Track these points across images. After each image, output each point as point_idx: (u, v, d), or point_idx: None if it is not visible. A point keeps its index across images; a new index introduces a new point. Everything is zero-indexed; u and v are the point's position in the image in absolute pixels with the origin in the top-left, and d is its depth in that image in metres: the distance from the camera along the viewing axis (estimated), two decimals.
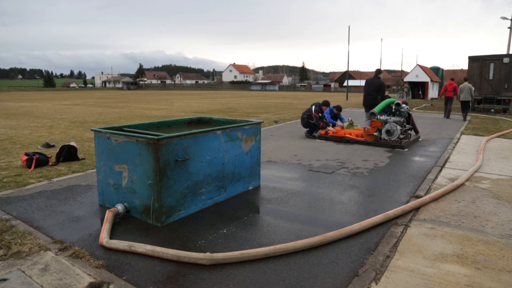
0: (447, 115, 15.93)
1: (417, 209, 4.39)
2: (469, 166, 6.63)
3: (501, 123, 14.17)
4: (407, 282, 2.79)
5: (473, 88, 15.86)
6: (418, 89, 37.54)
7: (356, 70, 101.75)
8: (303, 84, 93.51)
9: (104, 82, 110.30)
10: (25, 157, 6.23)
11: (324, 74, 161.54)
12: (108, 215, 3.79)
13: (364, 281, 2.82)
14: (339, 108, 10.83)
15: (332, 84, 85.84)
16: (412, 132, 9.93)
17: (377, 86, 9.83)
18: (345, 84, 60.07)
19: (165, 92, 61.65)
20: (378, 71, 10.22)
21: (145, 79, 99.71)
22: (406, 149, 8.30)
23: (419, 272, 2.94)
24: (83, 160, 6.85)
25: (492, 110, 18.61)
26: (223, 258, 3.04)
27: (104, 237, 3.39)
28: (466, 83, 15.56)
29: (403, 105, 9.33)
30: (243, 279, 2.84)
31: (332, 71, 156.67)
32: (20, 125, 12.40)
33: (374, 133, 8.85)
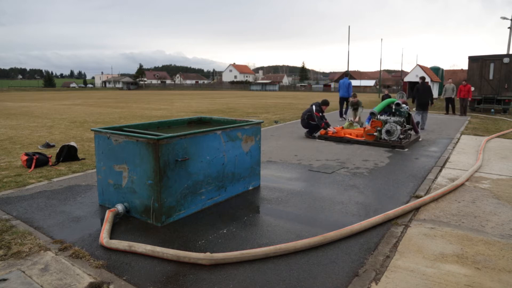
0: (462, 112, 17.49)
1: (417, 209, 4.39)
2: (469, 166, 6.63)
3: (501, 123, 14.17)
4: (407, 282, 2.79)
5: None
6: (414, 89, 37.55)
7: (356, 70, 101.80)
8: (303, 84, 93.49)
9: (104, 82, 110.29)
10: (25, 157, 6.23)
11: (324, 74, 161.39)
12: (108, 215, 3.79)
13: (364, 281, 2.82)
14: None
15: (332, 84, 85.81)
16: (412, 132, 9.94)
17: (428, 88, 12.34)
18: None
19: (165, 92, 61.66)
20: (423, 78, 12.87)
21: (145, 79, 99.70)
22: (406, 149, 8.30)
23: (419, 272, 2.94)
24: (83, 160, 6.85)
25: (492, 110, 18.61)
26: (223, 258, 3.04)
27: (104, 237, 3.39)
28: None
29: (403, 105, 9.35)
30: (243, 279, 2.84)
31: (332, 71, 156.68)
32: (20, 125, 12.40)
33: (374, 133, 8.86)
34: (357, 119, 12.01)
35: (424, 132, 11.22)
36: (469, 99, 17.44)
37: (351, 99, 12.88)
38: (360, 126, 10.75)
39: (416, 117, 11.84)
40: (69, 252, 3.21)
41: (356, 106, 12.63)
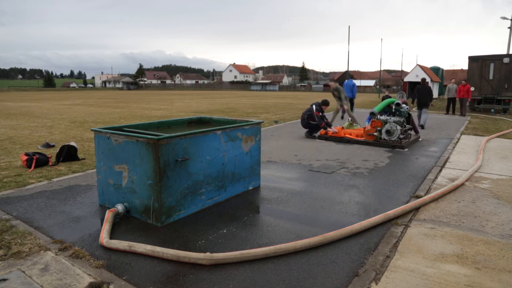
0: (462, 113, 17.44)
1: (417, 209, 4.39)
2: (469, 166, 6.63)
3: (501, 123, 14.17)
4: (407, 282, 2.79)
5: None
6: (414, 89, 37.61)
7: (356, 70, 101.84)
8: (303, 84, 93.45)
9: (104, 82, 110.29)
10: (25, 157, 6.23)
11: (324, 74, 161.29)
12: (108, 215, 3.79)
13: (364, 281, 2.82)
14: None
15: None
16: (412, 132, 9.94)
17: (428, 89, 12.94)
18: None
19: (165, 92, 61.66)
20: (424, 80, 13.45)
21: (145, 79, 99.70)
22: (406, 149, 8.30)
23: (419, 272, 2.94)
24: (83, 160, 6.85)
25: (492, 110, 18.61)
26: (223, 258, 3.04)
27: (104, 237, 3.39)
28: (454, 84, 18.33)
29: (403, 105, 9.35)
30: (243, 279, 2.84)
31: (332, 71, 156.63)
32: (20, 125, 12.40)
33: (374, 133, 8.86)
34: (346, 107, 11.88)
35: (424, 132, 11.22)
36: (469, 99, 17.44)
37: (330, 83, 12.73)
38: (350, 120, 10.78)
39: (418, 116, 12.66)
40: (69, 252, 3.21)
41: (337, 92, 12.06)
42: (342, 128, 10.14)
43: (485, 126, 13.05)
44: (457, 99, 17.71)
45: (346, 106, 11.95)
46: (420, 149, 8.43)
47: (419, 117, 12.63)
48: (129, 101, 29.30)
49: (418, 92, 12.97)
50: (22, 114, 16.80)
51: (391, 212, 4.08)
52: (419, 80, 37.10)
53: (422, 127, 12.19)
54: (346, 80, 15.63)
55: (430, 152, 8.07)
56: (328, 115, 12.29)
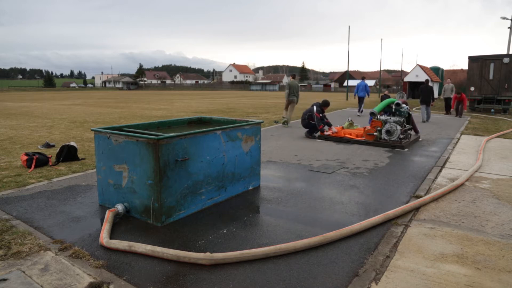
0: (458, 114, 17.35)
1: (417, 209, 4.39)
2: (469, 166, 6.63)
3: (501, 123, 14.17)
4: (407, 282, 2.79)
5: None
6: (418, 89, 37.72)
7: (356, 70, 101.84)
8: (303, 84, 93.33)
9: (104, 82, 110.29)
10: (25, 157, 6.23)
11: (324, 74, 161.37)
12: (108, 215, 3.80)
13: (364, 281, 2.82)
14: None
15: (332, 84, 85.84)
16: (412, 132, 9.94)
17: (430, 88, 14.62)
18: (345, 84, 60.14)
19: (165, 92, 61.64)
20: (427, 81, 15.37)
21: (145, 79, 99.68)
22: (406, 149, 8.30)
23: (419, 272, 2.94)
24: (83, 160, 6.85)
25: (492, 110, 18.62)
26: (223, 258, 3.04)
27: (104, 237, 3.39)
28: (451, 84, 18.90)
29: (403, 105, 9.35)
30: (243, 279, 2.84)
31: (332, 71, 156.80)
32: (20, 125, 12.40)
33: (374, 133, 8.86)
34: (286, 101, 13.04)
35: (424, 132, 11.23)
36: (464, 110, 17.34)
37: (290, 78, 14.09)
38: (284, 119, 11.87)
39: (422, 112, 14.56)
40: (69, 252, 3.21)
41: (288, 87, 13.04)
42: (342, 128, 10.14)
43: (485, 126, 13.05)
44: (453, 109, 17.31)
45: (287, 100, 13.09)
46: (420, 149, 8.43)
47: (423, 113, 14.38)
48: (129, 101, 29.29)
49: (421, 91, 14.70)
50: (22, 114, 16.80)
51: (391, 212, 4.08)
52: (419, 80, 37.51)
53: (423, 121, 14.08)
54: (360, 81, 17.39)
55: (430, 152, 8.06)
56: (330, 115, 12.29)
